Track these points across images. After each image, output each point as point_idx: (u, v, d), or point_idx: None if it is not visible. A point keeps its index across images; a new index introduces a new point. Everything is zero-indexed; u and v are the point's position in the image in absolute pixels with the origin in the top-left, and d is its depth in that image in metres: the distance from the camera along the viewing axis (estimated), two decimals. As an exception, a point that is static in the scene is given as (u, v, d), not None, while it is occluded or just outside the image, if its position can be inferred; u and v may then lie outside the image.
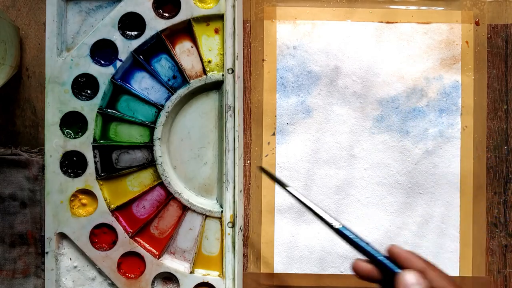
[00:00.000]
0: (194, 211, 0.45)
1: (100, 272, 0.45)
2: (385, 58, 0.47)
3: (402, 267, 0.33)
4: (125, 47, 0.45)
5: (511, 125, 0.47)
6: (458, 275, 0.47)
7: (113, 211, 0.45)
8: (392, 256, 0.34)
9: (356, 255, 0.34)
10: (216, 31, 0.45)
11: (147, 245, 0.45)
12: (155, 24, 0.44)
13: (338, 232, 0.35)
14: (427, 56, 0.47)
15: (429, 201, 0.47)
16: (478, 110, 0.47)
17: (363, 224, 0.47)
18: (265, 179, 0.47)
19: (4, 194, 0.46)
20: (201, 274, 0.45)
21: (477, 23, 0.47)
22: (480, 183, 0.47)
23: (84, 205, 0.45)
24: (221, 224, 0.45)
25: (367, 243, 0.34)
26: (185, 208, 0.45)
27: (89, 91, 0.45)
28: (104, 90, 0.45)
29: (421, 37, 0.47)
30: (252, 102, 0.48)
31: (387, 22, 0.47)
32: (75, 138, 0.45)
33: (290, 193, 0.38)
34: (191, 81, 0.45)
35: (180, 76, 0.45)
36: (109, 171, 0.45)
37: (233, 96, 0.44)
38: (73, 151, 0.45)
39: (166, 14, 0.45)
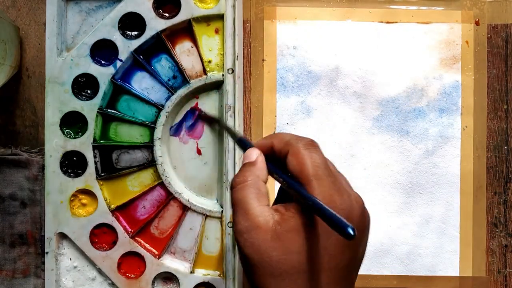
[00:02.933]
0: (194, 211, 0.45)
1: (100, 272, 0.45)
2: (385, 58, 0.47)
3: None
4: (125, 47, 0.45)
5: (511, 125, 0.47)
6: (458, 275, 0.47)
7: (113, 211, 0.45)
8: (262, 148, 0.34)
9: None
10: (216, 31, 0.45)
11: (147, 245, 0.45)
12: (155, 24, 0.44)
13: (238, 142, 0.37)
14: (427, 56, 0.47)
15: (429, 201, 0.47)
16: (478, 110, 0.47)
17: (363, 224, 0.47)
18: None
19: (4, 194, 0.46)
20: (201, 274, 0.45)
21: (477, 23, 0.47)
22: (480, 183, 0.47)
23: (84, 205, 0.45)
24: (221, 224, 0.45)
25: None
26: (185, 208, 0.45)
27: (89, 91, 0.45)
28: (104, 90, 0.45)
29: (421, 37, 0.47)
30: (252, 102, 0.48)
31: (387, 22, 0.47)
32: (75, 138, 0.45)
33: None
34: (191, 81, 0.45)
35: (180, 76, 0.45)
36: (109, 171, 0.45)
37: (233, 96, 0.44)
38: (73, 151, 0.45)
39: (166, 14, 0.45)
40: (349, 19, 0.47)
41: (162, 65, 0.45)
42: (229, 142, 0.44)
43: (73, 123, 0.45)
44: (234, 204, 0.32)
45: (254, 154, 0.33)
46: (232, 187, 0.32)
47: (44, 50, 0.45)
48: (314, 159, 0.31)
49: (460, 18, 0.47)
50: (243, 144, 0.36)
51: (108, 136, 0.46)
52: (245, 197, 0.31)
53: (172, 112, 0.45)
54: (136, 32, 0.45)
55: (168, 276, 0.45)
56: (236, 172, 0.33)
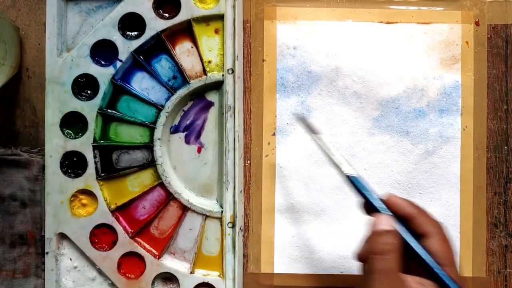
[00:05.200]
0: (194, 211, 0.45)
1: (100, 272, 0.46)
2: (385, 58, 0.47)
3: (394, 213, 0.36)
4: (125, 48, 0.45)
5: (511, 125, 0.47)
6: (458, 275, 0.47)
7: (113, 211, 0.45)
8: (388, 204, 0.36)
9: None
10: (216, 31, 0.45)
11: (147, 245, 0.46)
12: (155, 24, 0.44)
13: (349, 179, 0.37)
14: (427, 56, 0.47)
15: (429, 201, 0.47)
16: (478, 110, 0.47)
17: (363, 224, 0.47)
18: (266, 179, 0.47)
19: (4, 194, 0.46)
20: (201, 274, 0.45)
21: (477, 23, 0.47)
22: (480, 183, 0.47)
23: (84, 205, 0.46)
24: (221, 224, 0.45)
25: (370, 193, 0.37)
26: (185, 208, 0.45)
27: (89, 92, 0.45)
28: (104, 91, 0.45)
29: (421, 37, 0.47)
30: (252, 102, 0.48)
31: (387, 22, 0.47)
32: (75, 138, 0.45)
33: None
34: (191, 81, 0.45)
35: (180, 76, 0.45)
36: (109, 171, 0.45)
37: (233, 96, 0.44)
38: (73, 151, 0.45)
39: (166, 15, 0.45)
40: (349, 19, 0.47)
41: (162, 66, 0.45)
42: (229, 142, 0.44)
43: (73, 123, 0.45)
44: (377, 273, 0.33)
45: (390, 223, 0.35)
46: (373, 254, 0.34)
47: (44, 50, 0.45)
48: (455, 248, 0.35)
49: (460, 18, 0.47)
50: (361, 190, 0.37)
51: (108, 136, 0.46)
52: (394, 269, 0.33)
53: (172, 112, 0.45)
54: (136, 33, 0.45)
55: (168, 277, 0.45)
56: (368, 236, 0.35)
